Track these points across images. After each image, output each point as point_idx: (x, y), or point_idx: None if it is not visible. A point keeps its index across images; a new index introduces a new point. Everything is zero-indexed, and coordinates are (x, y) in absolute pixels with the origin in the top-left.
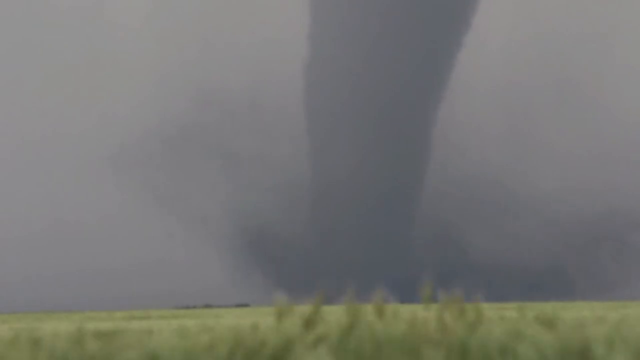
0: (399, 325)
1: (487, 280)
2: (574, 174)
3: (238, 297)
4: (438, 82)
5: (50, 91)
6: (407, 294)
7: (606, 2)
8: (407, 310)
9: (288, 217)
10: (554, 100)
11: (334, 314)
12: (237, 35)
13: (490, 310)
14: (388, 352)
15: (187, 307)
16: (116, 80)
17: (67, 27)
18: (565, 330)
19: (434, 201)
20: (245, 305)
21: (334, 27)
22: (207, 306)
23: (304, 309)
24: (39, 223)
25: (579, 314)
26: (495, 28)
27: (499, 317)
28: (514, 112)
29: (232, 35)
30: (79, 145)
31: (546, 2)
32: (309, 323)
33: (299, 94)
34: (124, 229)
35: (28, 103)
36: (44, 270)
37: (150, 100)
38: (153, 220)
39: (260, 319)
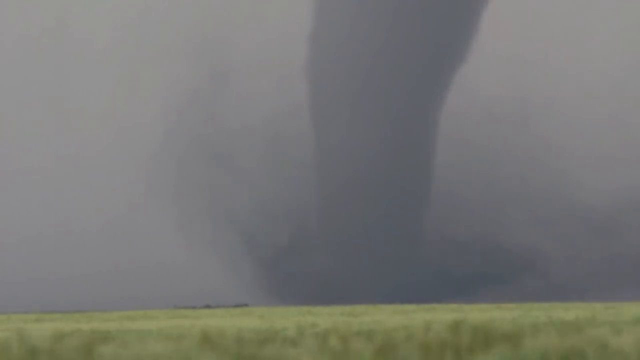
0: None
1: (492, 280)
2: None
3: (237, 297)
4: (443, 82)
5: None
6: (412, 295)
7: None
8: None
9: (290, 218)
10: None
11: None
12: (234, 36)
13: (492, 310)
14: None
15: (187, 308)
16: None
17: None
18: None
19: (442, 202)
20: (245, 305)
21: (339, 27)
22: (207, 307)
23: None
24: (44, 227)
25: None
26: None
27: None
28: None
29: (230, 35)
30: (81, 150)
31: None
32: None
33: (303, 96)
34: (125, 232)
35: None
36: (48, 272)
37: (161, 112)
38: (154, 224)
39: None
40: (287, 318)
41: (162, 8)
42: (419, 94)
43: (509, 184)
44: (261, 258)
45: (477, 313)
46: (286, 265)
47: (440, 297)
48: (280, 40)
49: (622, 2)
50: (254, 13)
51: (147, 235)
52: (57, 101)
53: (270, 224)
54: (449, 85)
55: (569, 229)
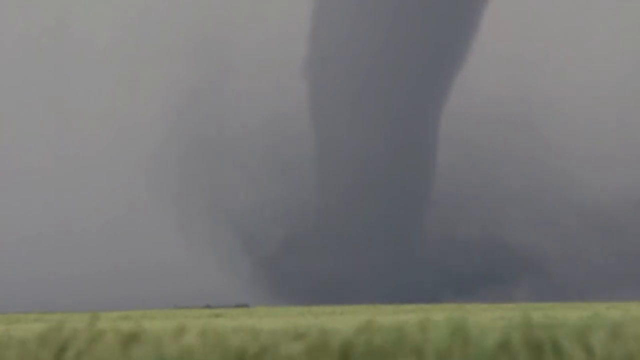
0: None
1: (492, 280)
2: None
3: (237, 297)
4: (443, 82)
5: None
6: (412, 295)
7: None
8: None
9: (290, 218)
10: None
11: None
12: (234, 36)
13: (490, 311)
14: None
15: (187, 308)
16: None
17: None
18: None
19: (442, 203)
20: (245, 305)
21: (339, 27)
22: (207, 307)
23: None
24: (44, 227)
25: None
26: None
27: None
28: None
29: (230, 35)
30: (81, 150)
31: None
32: None
33: (303, 97)
34: (125, 232)
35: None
36: (48, 272)
37: (161, 112)
38: (154, 224)
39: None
40: (288, 318)
41: (162, 8)
42: (419, 94)
43: (509, 184)
44: (261, 258)
45: (474, 313)
46: (286, 265)
47: (440, 297)
48: (281, 40)
49: (623, 2)
50: (254, 13)
51: (147, 235)
52: (57, 101)
53: (270, 224)
54: (449, 86)
55: (570, 228)
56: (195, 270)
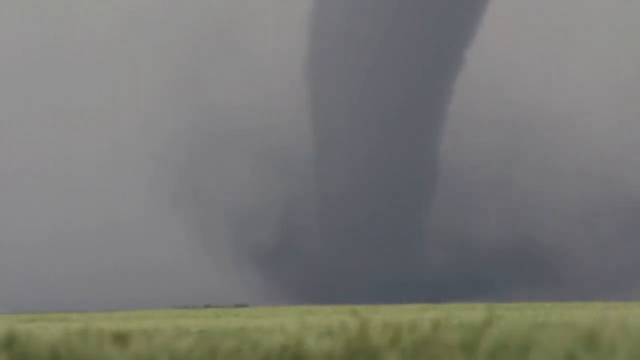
0: None
1: (493, 280)
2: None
3: (237, 297)
4: (445, 82)
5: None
6: (412, 295)
7: None
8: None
9: (291, 218)
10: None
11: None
12: (235, 36)
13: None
14: None
15: (187, 308)
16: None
17: None
18: None
19: (445, 205)
20: (245, 305)
21: (339, 28)
22: (207, 307)
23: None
24: (44, 227)
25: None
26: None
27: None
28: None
29: (231, 35)
30: (81, 151)
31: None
32: None
33: (303, 96)
34: (125, 232)
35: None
36: (48, 272)
37: (161, 113)
38: (154, 224)
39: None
40: (288, 318)
41: (162, 8)
42: (419, 93)
43: (510, 186)
44: (261, 258)
45: (467, 312)
46: (286, 265)
47: (440, 297)
48: (280, 39)
49: (624, 2)
50: (254, 12)
51: (147, 236)
52: (56, 101)
53: (270, 224)
54: (451, 85)
55: (572, 229)
56: (195, 270)
